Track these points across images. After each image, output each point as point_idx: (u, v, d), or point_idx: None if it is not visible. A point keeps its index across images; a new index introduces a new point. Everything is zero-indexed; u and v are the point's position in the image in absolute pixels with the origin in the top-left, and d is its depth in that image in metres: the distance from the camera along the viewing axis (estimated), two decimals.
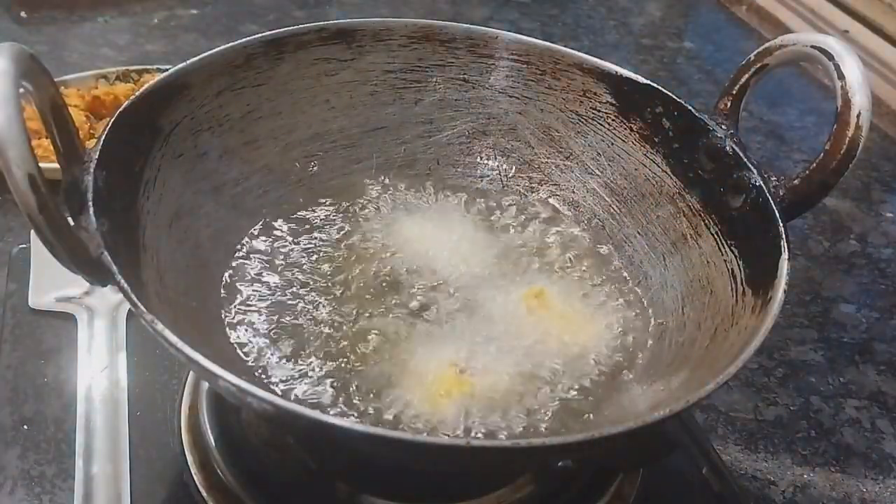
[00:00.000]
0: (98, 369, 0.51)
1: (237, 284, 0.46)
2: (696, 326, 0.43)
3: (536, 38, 0.53)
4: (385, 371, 0.42)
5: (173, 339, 0.31)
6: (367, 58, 0.53)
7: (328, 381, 0.41)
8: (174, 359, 0.49)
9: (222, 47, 0.47)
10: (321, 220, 0.51)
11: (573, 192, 0.54)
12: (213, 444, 0.45)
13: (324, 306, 0.45)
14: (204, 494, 0.44)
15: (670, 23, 1.19)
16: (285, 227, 0.50)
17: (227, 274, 0.46)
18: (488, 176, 0.56)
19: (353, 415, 0.40)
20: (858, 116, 0.40)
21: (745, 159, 0.44)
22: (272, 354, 0.42)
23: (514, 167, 0.55)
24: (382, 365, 0.42)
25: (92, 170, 0.36)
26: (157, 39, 0.95)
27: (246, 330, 0.44)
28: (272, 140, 0.51)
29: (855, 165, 0.41)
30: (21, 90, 0.32)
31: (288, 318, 0.44)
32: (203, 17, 1.01)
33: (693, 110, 0.47)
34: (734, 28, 1.18)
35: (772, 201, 0.41)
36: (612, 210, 0.52)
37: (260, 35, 0.49)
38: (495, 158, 0.56)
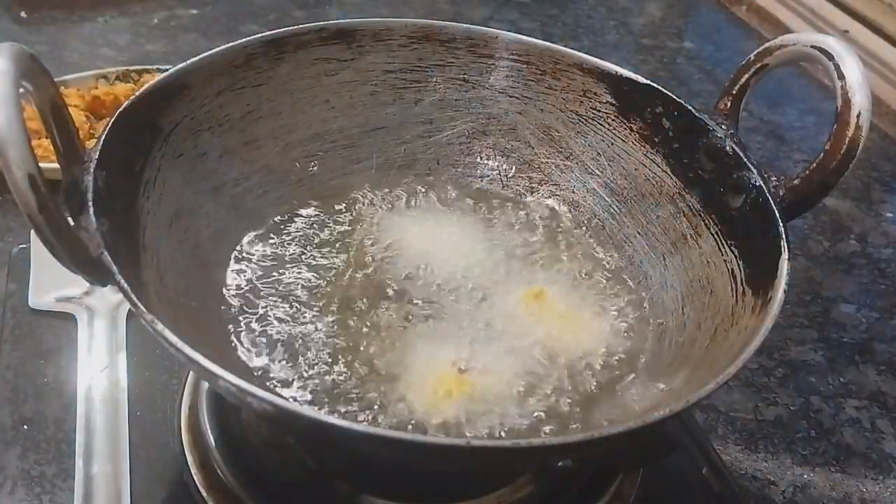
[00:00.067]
0: (98, 369, 0.51)
1: (237, 284, 0.46)
2: (696, 326, 0.43)
3: (536, 38, 0.53)
4: (385, 371, 0.42)
5: (173, 339, 0.31)
6: (367, 58, 0.53)
7: (329, 380, 0.41)
8: (174, 359, 0.48)
9: (222, 47, 0.47)
10: (321, 220, 0.51)
11: (573, 192, 0.54)
12: (213, 444, 0.45)
13: (324, 306, 0.45)
14: (204, 494, 0.44)
15: (670, 23, 1.19)
16: (285, 228, 0.50)
17: (227, 274, 0.46)
18: (488, 176, 0.56)
19: (353, 414, 0.40)
20: (858, 116, 0.40)
21: (745, 159, 0.44)
22: (272, 354, 0.42)
23: (514, 167, 0.55)
24: (383, 364, 0.42)
25: (92, 170, 0.36)
26: (157, 39, 0.95)
27: (246, 330, 0.44)
28: (272, 140, 0.51)
29: (855, 165, 0.41)
30: (21, 90, 0.32)
31: (288, 318, 0.44)
32: (203, 17, 1.01)
33: (693, 110, 0.47)
34: (734, 28, 1.18)
35: (772, 201, 0.41)
36: (612, 210, 0.52)
37: (260, 35, 0.49)
38: (495, 158, 0.56)
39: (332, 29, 0.51)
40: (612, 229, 0.52)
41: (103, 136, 0.38)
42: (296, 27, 0.50)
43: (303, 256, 0.48)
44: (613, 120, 0.51)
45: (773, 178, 0.43)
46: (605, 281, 0.49)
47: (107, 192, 0.37)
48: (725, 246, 0.44)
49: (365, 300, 0.46)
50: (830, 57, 0.41)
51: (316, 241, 0.50)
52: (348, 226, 0.51)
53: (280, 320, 0.44)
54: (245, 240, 0.49)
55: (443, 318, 0.45)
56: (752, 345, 0.34)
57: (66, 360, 0.52)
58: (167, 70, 0.45)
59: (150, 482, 0.45)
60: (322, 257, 0.48)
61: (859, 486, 0.54)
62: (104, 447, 0.46)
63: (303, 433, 0.44)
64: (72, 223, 0.34)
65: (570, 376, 0.43)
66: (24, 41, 0.36)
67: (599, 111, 0.52)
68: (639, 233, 0.50)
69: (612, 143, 0.52)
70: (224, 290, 0.45)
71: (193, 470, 0.45)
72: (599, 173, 0.53)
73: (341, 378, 0.42)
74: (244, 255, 0.48)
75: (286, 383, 0.41)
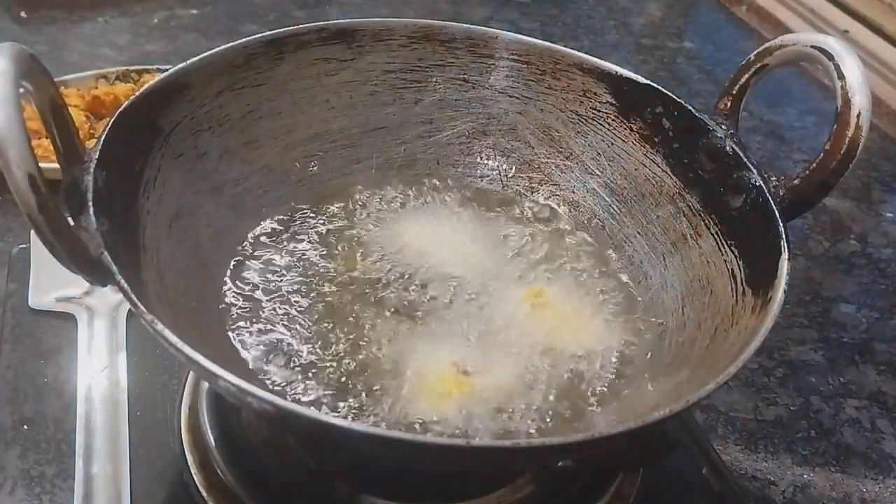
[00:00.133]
0: (98, 369, 0.51)
1: (237, 284, 0.46)
2: (696, 326, 0.43)
3: (536, 38, 0.53)
4: (386, 370, 0.42)
5: (173, 339, 0.31)
6: (367, 58, 0.53)
7: (329, 380, 0.41)
8: (174, 359, 0.48)
9: (222, 47, 0.47)
10: (321, 220, 0.51)
11: (573, 192, 0.54)
12: (213, 444, 0.45)
13: (324, 306, 0.45)
14: (204, 494, 0.44)
15: (670, 23, 1.19)
16: (285, 228, 0.50)
17: (227, 274, 0.46)
18: (488, 176, 0.56)
19: (353, 414, 0.40)
20: (858, 116, 0.40)
21: (745, 159, 0.44)
22: (272, 354, 0.42)
23: (514, 167, 0.55)
24: (383, 364, 0.42)
25: (92, 170, 0.36)
26: (157, 39, 0.95)
27: (246, 330, 0.44)
28: (272, 140, 0.51)
29: (855, 165, 0.41)
30: (21, 90, 0.32)
31: (288, 318, 0.44)
32: (203, 17, 1.01)
33: (693, 110, 0.47)
34: (734, 28, 1.18)
35: (772, 201, 0.41)
36: (612, 210, 0.52)
37: (260, 35, 0.49)
38: (495, 158, 0.56)
39: (332, 29, 0.51)
40: (612, 229, 0.52)
41: (103, 136, 0.38)
42: (296, 27, 0.50)
43: (303, 256, 0.48)
44: (613, 120, 0.51)
45: (773, 178, 0.43)
46: (604, 281, 0.49)
47: (107, 192, 0.37)
48: (725, 246, 0.44)
49: (365, 300, 0.46)
50: (830, 57, 0.41)
51: (316, 241, 0.50)
52: (348, 226, 0.51)
53: (280, 320, 0.44)
54: (245, 240, 0.49)
55: (443, 318, 0.45)
56: (752, 345, 0.34)
57: (66, 360, 0.52)
58: (167, 70, 0.45)
59: (150, 482, 0.45)
60: (322, 257, 0.48)
61: (859, 486, 0.54)
62: (104, 447, 0.46)
63: (303, 433, 0.44)
64: (72, 223, 0.34)
65: (570, 376, 0.43)
66: (24, 41, 0.36)
67: (599, 111, 0.52)
68: (639, 233, 0.50)
69: (612, 143, 0.52)
70: (224, 291, 0.45)
71: (193, 470, 0.45)
72: (599, 173, 0.53)
73: (341, 378, 0.42)
74: (244, 255, 0.48)
75: (286, 383, 0.41)
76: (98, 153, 0.37)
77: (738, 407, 0.59)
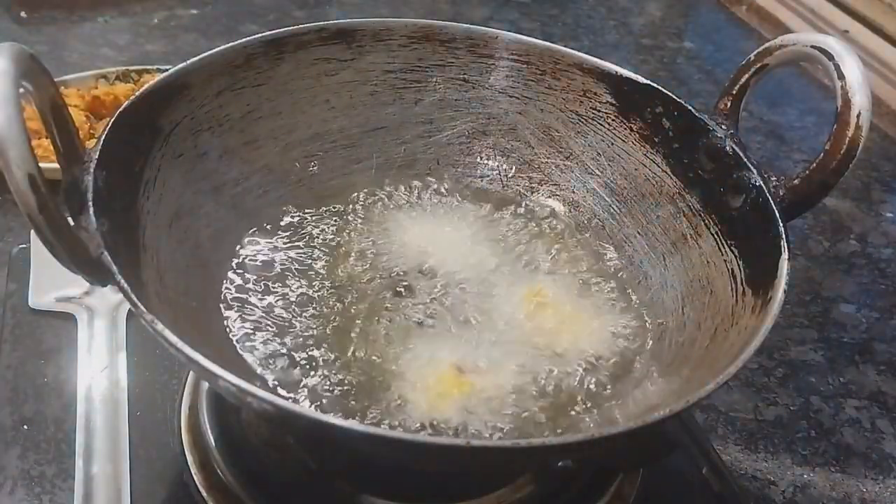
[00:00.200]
0: (98, 369, 0.51)
1: (237, 284, 0.46)
2: (696, 326, 0.43)
3: (536, 38, 0.53)
4: (386, 371, 0.42)
5: (173, 339, 0.31)
6: (367, 58, 0.53)
7: (329, 380, 0.41)
8: (174, 359, 0.49)
9: (222, 47, 0.47)
10: (321, 220, 0.51)
11: (573, 192, 0.54)
12: (213, 444, 0.45)
13: (324, 306, 0.45)
14: (204, 494, 0.44)
15: (670, 23, 1.19)
16: (285, 228, 0.50)
17: (227, 274, 0.46)
18: (488, 176, 0.56)
19: (353, 415, 0.40)
20: (858, 116, 0.40)
21: (745, 159, 0.44)
22: (272, 354, 0.42)
23: (514, 167, 0.55)
24: (383, 364, 0.42)
25: (92, 170, 0.36)
26: (157, 39, 0.95)
27: (246, 330, 0.44)
28: (272, 140, 0.51)
29: (855, 165, 0.41)
30: (21, 90, 0.32)
31: (288, 318, 0.44)
32: (203, 17, 1.01)
33: (693, 110, 0.47)
34: (734, 28, 1.18)
35: (772, 201, 0.41)
36: (612, 210, 0.52)
37: (260, 35, 0.49)
38: (495, 158, 0.56)
39: (332, 29, 0.51)
40: (612, 229, 0.52)
41: (103, 136, 0.38)
42: (296, 27, 0.50)
43: (303, 256, 0.48)
44: (613, 120, 0.51)
45: (773, 178, 0.43)
46: (604, 281, 0.49)
47: (107, 192, 0.37)
48: (725, 246, 0.44)
49: (365, 300, 0.46)
50: (830, 57, 0.41)
51: (316, 241, 0.50)
52: (348, 226, 0.51)
53: (280, 320, 0.44)
54: (245, 240, 0.49)
55: (443, 319, 0.45)
56: (752, 345, 0.34)
57: (66, 360, 0.52)
58: (167, 70, 0.45)
59: (150, 482, 0.45)
60: (322, 257, 0.48)
61: (859, 486, 0.54)
62: (104, 447, 0.46)
63: (303, 433, 0.44)
64: (72, 223, 0.34)
65: (570, 376, 0.43)
66: (24, 41, 0.36)
67: (599, 111, 0.52)
68: (639, 233, 0.50)
69: (612, 143, 0.52)
70: (224, 290, 0.45)
71: (193, 470, 0.45)
72: (599, 173, 0.53)
73: (341, 378, 0.42)
74: (244, 255, 0.48)
75: (286, 383, 0.41)
76: (98, 153, 0.37)
77: (738, 407, 0.59)
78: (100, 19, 0.97)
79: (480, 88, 0.55)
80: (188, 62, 0.45)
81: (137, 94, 0.42)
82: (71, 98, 0.75)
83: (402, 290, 0.47)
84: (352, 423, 0.30)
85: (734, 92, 0.46)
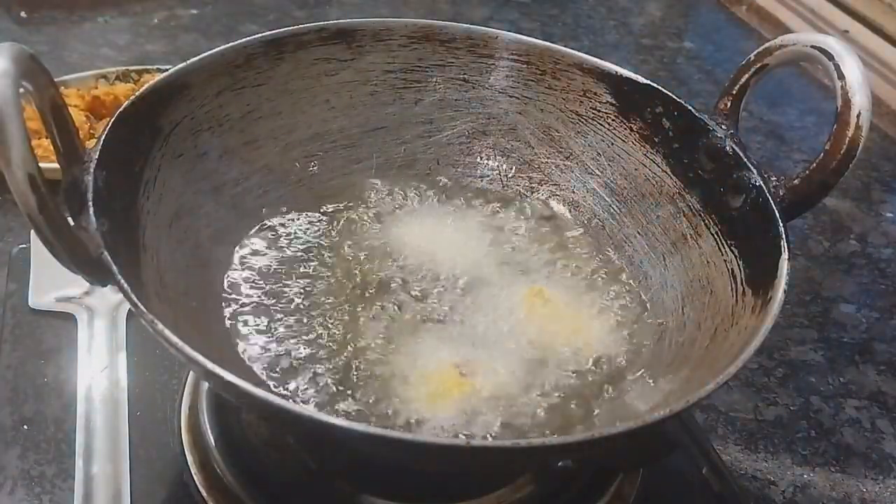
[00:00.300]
0: (98, 369, 0.51)
1: (237, 284, 0.46)
2: (696, 326, 0.43)
3: (536, 38, 0.53)
4: (386, 371, 0.42)
5: (173, 339, 0.31)
6: (367, 58, 0.53)
7: (329, 380, 0.41)
8: (174, 359, 0.49)
9: (222, 47, 0.47)
10: (321, 220, 0.51)
11: (573, 192, 0.54)
12: (213, 444, 0.45)
13: (324, 307, 0.45)
14: (204, 494, 0.44)
15: (670, 23, 1.19)
16: (285, 227, 0.50)
17: (227, 274, 0.46)
18: (488, 176, 0.56)
19: (353, 415, 0.40)
20: (858, 116, 0.40)
21: (745, 159, 0.44)
22: (272, 354, 0.42)
23: (514, 167, 0.55)
24: (383, 365, 0.42)
25: (92, 170, 0.36)
26: (157, 39, 0.95)
27: (246, 330, 0.44)
28: (272, 140, 0.51)
29: (855, 165, 0.41)
30: (21, 90, 0.32)
31: (288, 319, 0.44)
32: (203, 17, 1.01)
33: (693, 110, 0.47)
34: (734, 28, 1.18)
35: (772, 201, 0.41)
36: (612, 210, 0.52)
37: (260, 35, 0.49)
38: (495, 158, 0.56)
39: (332, 29, 0.51)
40: (612, 229, 0.52)
41: (103, 136, 0.38)
42: (296, 27, 0.50)
43: (302, 256, 0.48)
44: (613, 120, 0.51)
45: (773, 178, 0.43)
46: (604, 281, 0.49)
47: (107, 192, 0.37)
48: (725, 246, 0.44)
49: (365, 300, 0.46)
50: (830, 57, 0.41)
51: (315, 241, 0.50)
52: (348, 226, 0.51)
53: (280, 320, 0.44)
54: (245, 240, 0.49)
55: (443, 318, 0.45)
56: (752, 345, 0.34)
57: (66, 360, 0.51)
58: (167, 70, 0.45)
59: (150, 482, 0.45)
60: (322, 257, 0.48)
61: (859, 486, 0.54)
62: (104, 447, 0.46)
63: (303, 433, 0.44)
64: (72, 223, 0.34)
65: (570, 376, 0.43)
66: (24, 41, 0.36)
67: (599, 111, 0.52)
68: (639, 233, 0.50)
69: (612, 143, 0.52)
70: (224, 290, 0.45)
71: (193, 470, 0.45)
72: (599, 173, 0.53)
73: (341, 377, 0.42)
74: (244, 255, 0.48)
75: (286, 383, 0.41)
76: (98, 153, 0.37)
77: (738, 407, 0.59)
78: (100, 19, 0.97)
79: (480, 88, 0.55)
80: (188, 62, 0.45)
81: (137, 94, 0.42)
82: (71, 98, 0.75)
83: (403, 290, 0.47)
84: (352, 423, 0.30)
85: (734, 92, 0.46)
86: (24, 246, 0.58)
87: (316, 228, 0.50)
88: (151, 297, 0.37)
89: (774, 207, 0.41)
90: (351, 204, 0.52)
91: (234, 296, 0.45)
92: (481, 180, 0.56)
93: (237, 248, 0.48)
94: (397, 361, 0.43)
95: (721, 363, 0.35)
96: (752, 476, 0.54)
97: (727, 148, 0.45)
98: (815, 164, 0.41)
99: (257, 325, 0.44)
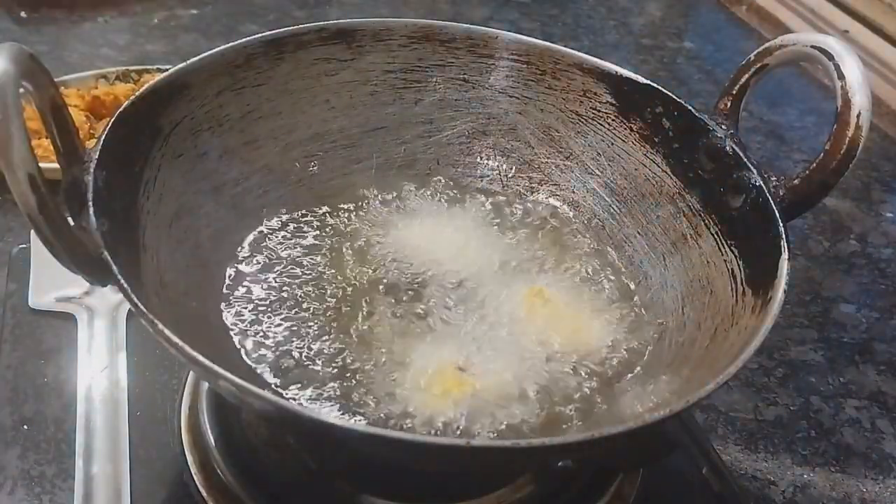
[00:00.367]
0: (98, 369, 0.51)
1: (237, 284, 0.46)
2: (696, 326, 0.43)
3: (536, 38, 0.53)
4: (386, 371, 0.42)
5: (173, 339, 0.31)
6: (367, 58, 0.53)
7: (329, 380, 0.41)
8: (174, 359, 0.48)
9: (222, 47, 0.47)
10: (321, 219, 0.51)
11: (573, 192, 0.54)
12: (213, 444, 0.45)
13: (324, 306, 0.45)
14: (204, 494, 0.44)
15: (670, 23, 1.19)
16: (285, 227, 0.50)
17: (227, 274, 0.46)
18: (488, 176, 0.56)
19: (353, 414, 0.40)
20: (858, 116, 0.40)
21: (745, 159, 0.44)
22: (272, 354, 0.42)
23: (514, 167, 0.55)
24: (383, 364, 0.42)
25: (92, 170, 0.36)
26: (157, 39, 0.95)
27: (246, 330, 0.44)
28: (272, 140, 0.51)
29: (855, 165, 0.41)
30: (21, 90, 0.32)
31: (288, 318, 0.44)
32: (203, 17, 1.01)
33: (693, 110, 0.47)
34: (734, 28, 1.18)
35: (772, 201, 0.41)
36: (612, 210, 0.52)
37: (260, 35, 0.49)
38: (495, 158, 0.56)
39: (332, 29, 0.51)
40: (612, 229, 0.52)
41: (103, 136, 0.38)
42: (296, 27, 0.50)
43: (303, 256, 0.48)
44: (613, 120, 0.51)
45: (773, 178, 0.43)
46: (605, 281, 0.49)
47: (107, 192, 0.37)
48: (725, 246, 0.44)
49: (365, 300, 0.46)
50: (830, 57, 0.41)
51: (315, 241, 0.50)
52: (348, 226, 0.51)
53: (280, 320, 0.44)
54: (245, 240, 0.49)
55: (443, 318, 0.45)
56: (752, 345, 0.34)
57: (66, 360, 0.51)
58: (167, 70, 0.45)
59: (150, 482, 0.45)
60: (322, 257, 0.48)
61: (859, 486, 0.54)
62: (104, 447, 0.46)
63: (303, 433, 0.44)
64: (72, 223, 0.34)
65: (570, 376, 0.43)
66: (24, 41, 0.36)
67: (599, 111, 0.52)
68: (639, 233, 0.50)
69: (612, 143, 0.52)
70: (224, 290, 0.45)
71: (193, 470, 0.45)
72: (599, 173, 0.53)
73: (341, 377, 0.42)
74: (244, 255, 0.48)
75: (286, 383, 0.41)
76: (98, 153, 0.37)
77: (738, 407, 0.59)
78: (100, 19, 0.97)
79: (480, 88, 0.55)
80: (188, 62, 0.45)
81: (137, 94, 0.42)
82: (71, 98, 0.75)
83: (403, 289, 0.47)
84: (352, 423, 0.31)
85: (734, 92, 0.46)
86: (24, 246, 0.58)
87: (316, 229, 0.50)
88: (151, 297, 0.37)
89: (774, 207, 0.41)
90: (351, 204, 0.52)
91: (234, 296, 0.45)
92: (481, 180, 0.56)
93: (237, 248, 0.48)
94: (398, 361, 0.43)
95: (721, 363, 0.35)
96: (752, 476, 0.54)
97: (727, 148, 0.45)
98: (815, 164, 0.41)
99: (257, 324, 0.44)
